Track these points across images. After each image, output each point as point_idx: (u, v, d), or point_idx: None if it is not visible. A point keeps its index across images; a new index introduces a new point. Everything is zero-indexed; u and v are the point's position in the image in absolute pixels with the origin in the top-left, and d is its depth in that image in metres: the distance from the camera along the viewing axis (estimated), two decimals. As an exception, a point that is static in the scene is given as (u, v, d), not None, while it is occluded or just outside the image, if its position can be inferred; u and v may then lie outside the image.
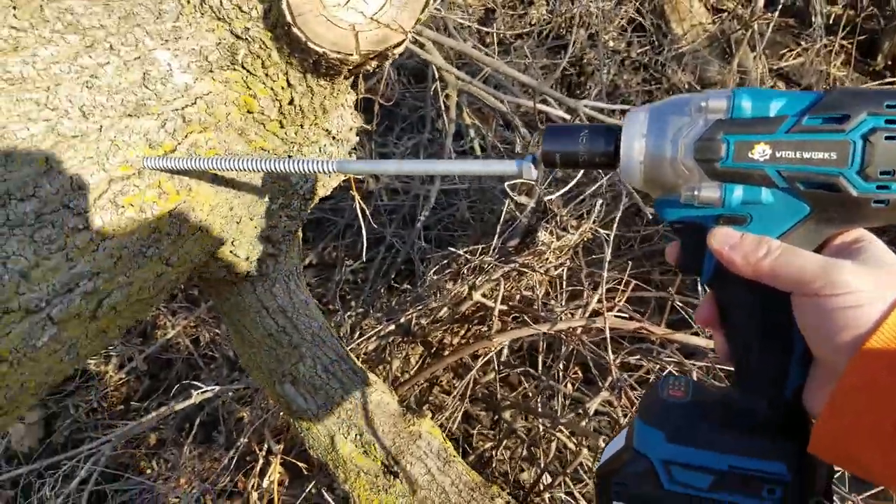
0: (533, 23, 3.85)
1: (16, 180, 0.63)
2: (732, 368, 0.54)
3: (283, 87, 0.93)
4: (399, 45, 0.88)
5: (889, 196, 0.44)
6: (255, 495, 1.50)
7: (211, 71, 0.87)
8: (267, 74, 0.91)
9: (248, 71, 0.90)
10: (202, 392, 1.56)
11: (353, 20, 0.86)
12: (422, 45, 2.53)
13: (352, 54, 0.87)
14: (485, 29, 3.17)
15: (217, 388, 1.61)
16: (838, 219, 0.47)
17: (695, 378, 1.27)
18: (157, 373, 2.34)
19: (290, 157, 0.70)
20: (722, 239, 0.49)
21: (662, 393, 0.53)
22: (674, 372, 1.54)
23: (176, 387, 2.03)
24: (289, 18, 0.83)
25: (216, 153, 0.86)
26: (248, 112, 0.92)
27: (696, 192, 0.48)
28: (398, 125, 3.78)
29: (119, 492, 1.83)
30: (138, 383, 2.28)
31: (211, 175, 0.85)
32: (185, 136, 0.81)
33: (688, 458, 0.50)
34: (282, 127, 0.99)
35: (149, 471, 1.92)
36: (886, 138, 0.43)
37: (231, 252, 1.13)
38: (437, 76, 2.70)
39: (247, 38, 0.87)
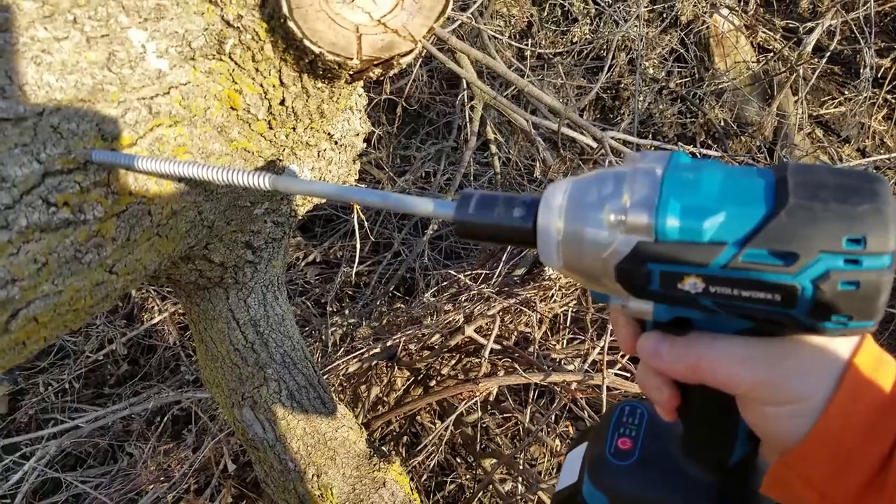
0: (574, 41, 3.77)
1: (-73, 163, 0.54)
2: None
3: (274, 86, 0.83)
4: (407, 54, 0.78)
5: (845, 331, 0.37)
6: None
7: (193, 59, 0.77)
8: (257, 70, 0.82)
9: (235, 63, 0.80)
10: (158, 395, 1.47)
11: (358, 20, 0.76)
12: (452, 53, 2.43)
13: (352, 58, 0.77)
14: (518, 45, 3.07)
15: (175, 393, 1.52)
16: (788, 332, 0.40)
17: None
18: (137, 358, 2.25)
19: (227, 167, 0.61)
20: (645, 349, 0.43)
21: (610, 448, 0.54)
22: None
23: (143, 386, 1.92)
24: (285, 10, 0.73)
25: (186, 150, 0.76)
26: (232, 108, 0.82)
27: (624, 304, 0.41)
28: (423, 129, 3.69)
29: (73, 485, 1.73)
30: (116, 367, 2.19)
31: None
32: (150, 130, 0.71)
33: None
34: (270, 128, 0.89)
35: (111, 462, 1.84)
36: (843, 283, 0.34)
37: (204, 256, 1.03)
38: (466, 85, 2.61)
39: (238, 27, 0.77)
